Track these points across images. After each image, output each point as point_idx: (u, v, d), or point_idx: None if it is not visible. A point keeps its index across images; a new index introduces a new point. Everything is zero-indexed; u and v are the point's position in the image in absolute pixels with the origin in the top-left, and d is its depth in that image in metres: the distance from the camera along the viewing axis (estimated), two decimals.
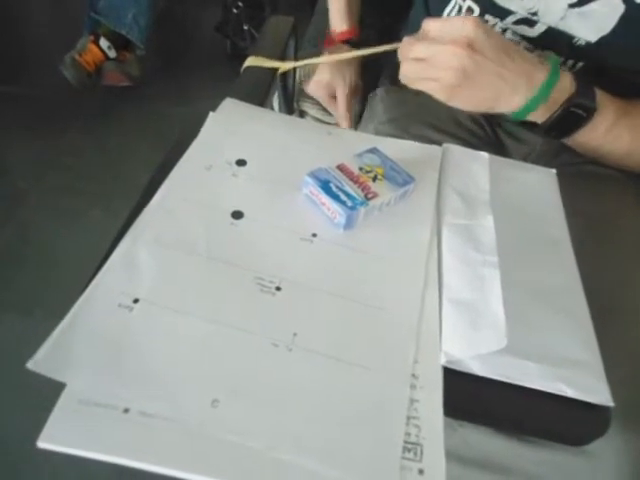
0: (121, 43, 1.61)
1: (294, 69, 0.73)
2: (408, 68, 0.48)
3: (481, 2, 0.58)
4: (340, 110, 0.74)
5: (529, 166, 0.53)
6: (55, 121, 1.59)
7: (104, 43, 1.58)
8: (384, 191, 0.43)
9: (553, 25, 0.55)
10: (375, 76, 0.80)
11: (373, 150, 0.46)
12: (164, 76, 1.82)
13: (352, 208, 0.40)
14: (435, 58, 0.46)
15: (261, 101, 0.56)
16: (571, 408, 0.34)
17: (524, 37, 0.58)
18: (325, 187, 0.42)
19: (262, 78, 0.60)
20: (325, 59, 0.68)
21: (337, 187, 0.42)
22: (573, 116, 0.50)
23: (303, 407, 0.31)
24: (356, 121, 0.79)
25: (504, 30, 0.59)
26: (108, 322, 0.33)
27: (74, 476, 0.88)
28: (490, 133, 0.71)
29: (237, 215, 0.41)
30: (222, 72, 1.66)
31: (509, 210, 0.46)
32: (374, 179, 0.43)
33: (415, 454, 0.30)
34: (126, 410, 0.29)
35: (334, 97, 0.74)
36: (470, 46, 0.44)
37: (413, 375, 0.33)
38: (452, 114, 0.67)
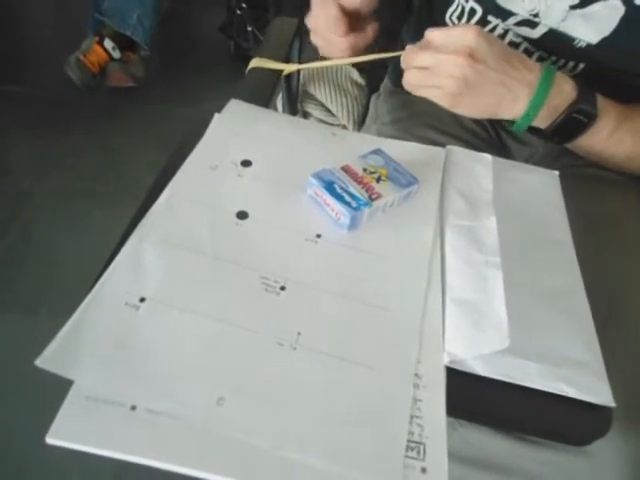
0: (125, 44, 1.62)
1: (298, 70, 0.73)
2: (412, 76, 0.49)
3: (484, 3, 0.58)
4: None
5: (532, 168, 0.54)
6: (58, 121, 1.60)
7: (108, 44, 1.58)
8: (388, 192, 0.43)
9: (554, 27, 0.55)
10: (379, 77, 0.81)
11: (377, 151, 0.46)
12: (168, 77, 1.82)
13: (356, 209, 0.41)
14: (438, 67, 0.47)
15: (266, 102, 0.56)
16: (572, 408, 0.34)
17: (526, 38, 0.58)
18: (329, 188, 0.42)
19: (267, 80, 0.60)
20: (329, 62, 0.69)
21: (341, 188, 0.42)
22: (575, 122, 0.51)
23: (307, 405, 0.31)
24: (360, 122, 0.79)
25: (506, 31, 0.59)
26: (115, 320, 0.33)
27: (77, 474, 0.89)
28: (493, 135, 0.71)
29: (242, 215, 0.42)
30: (226, 73, 1.67)
31: (512, 211, 0.46)
32: (378, 180, 0.43)
33: (418, 453, 0.30)
34: (133, 407, 0.29)
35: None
36: (472, 55, 0.45)
37: (416, 375, 0.34)
38: (455, 116, 0.67)
